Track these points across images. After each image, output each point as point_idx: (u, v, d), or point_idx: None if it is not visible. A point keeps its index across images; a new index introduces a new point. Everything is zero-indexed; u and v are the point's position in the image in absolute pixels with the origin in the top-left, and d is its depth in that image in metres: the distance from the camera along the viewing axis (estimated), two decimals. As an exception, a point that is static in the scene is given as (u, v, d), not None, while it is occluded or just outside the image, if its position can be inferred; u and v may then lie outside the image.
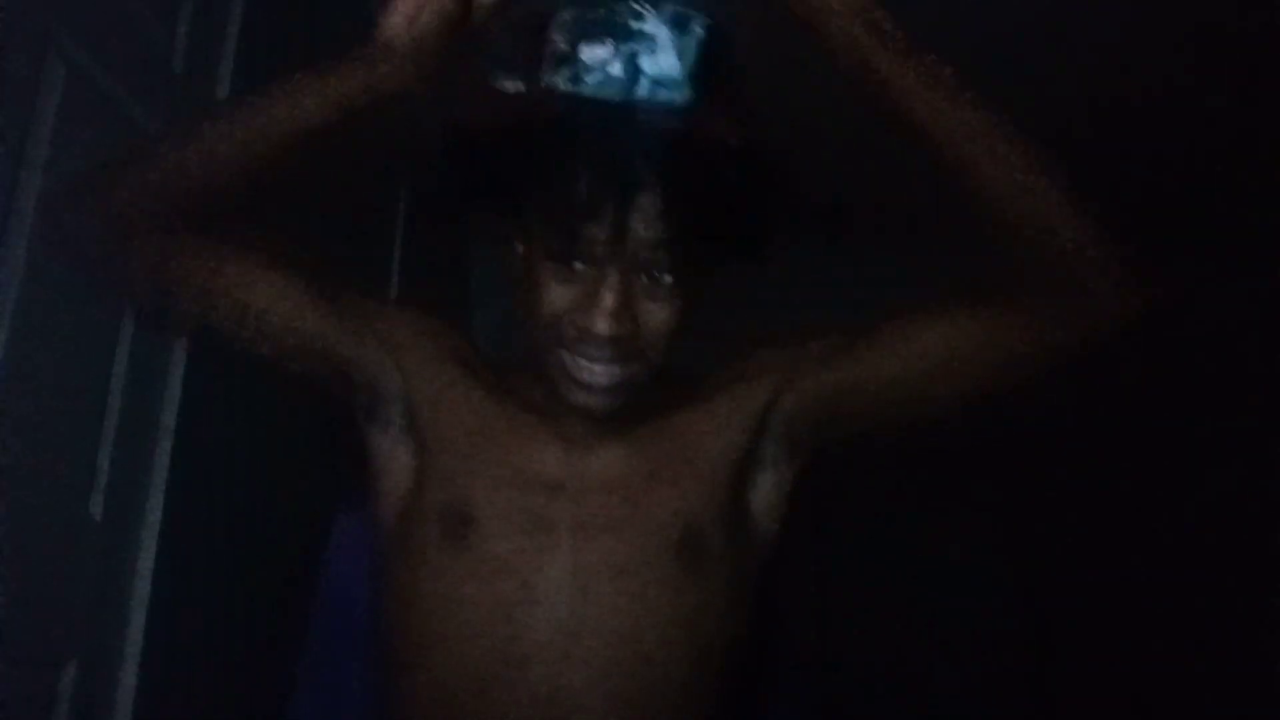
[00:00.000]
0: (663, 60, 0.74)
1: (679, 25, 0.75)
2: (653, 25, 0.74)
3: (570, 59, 0.75)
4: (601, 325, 0.75)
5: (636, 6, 0.74)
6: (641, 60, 0.74)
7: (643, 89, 0.74)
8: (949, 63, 0.76)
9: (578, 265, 0.76)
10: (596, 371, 0.77)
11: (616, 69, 0.74)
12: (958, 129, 0.75)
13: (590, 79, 0.74)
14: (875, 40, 0.73)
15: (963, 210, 0.76)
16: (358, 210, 2.24)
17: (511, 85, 0.80)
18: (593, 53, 0.74)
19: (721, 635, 0.81)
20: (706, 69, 0.76)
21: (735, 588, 0.83)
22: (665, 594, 0.79)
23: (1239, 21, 2.18)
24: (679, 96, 0.74)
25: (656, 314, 0.77)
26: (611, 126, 0.75)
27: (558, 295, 0.77)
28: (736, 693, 0.83)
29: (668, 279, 0.76)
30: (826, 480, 0.97)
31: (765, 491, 0.88)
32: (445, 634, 0.79)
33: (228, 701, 1.50)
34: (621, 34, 0.74)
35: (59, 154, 1.09)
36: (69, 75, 1.11)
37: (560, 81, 0.75)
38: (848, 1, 0.73)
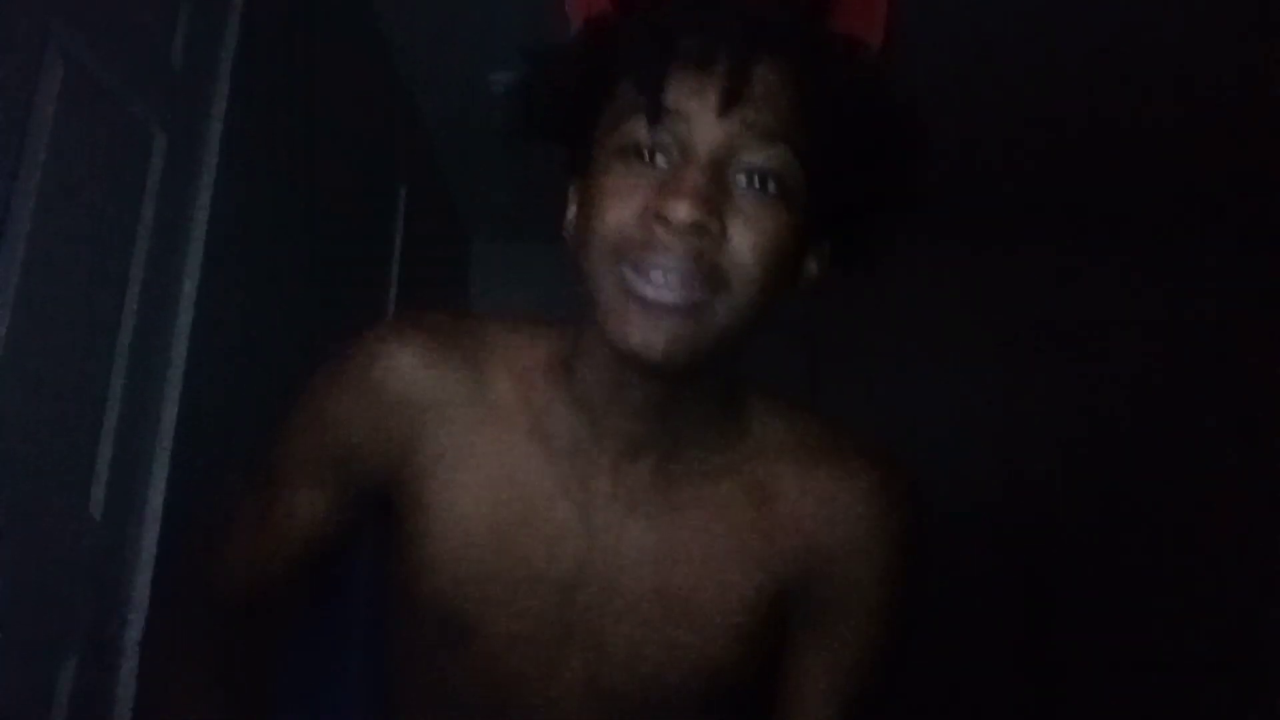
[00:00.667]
0: None
1: None
2: None
3: None
4: (681, 209, 0.57)
5: None
6: None
7: None
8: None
9: (659, 159, 0.60)
10: (667, 284, 0.58)
11: None
12: None
13: None
14: None
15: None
16: (358, 211, 2.23)
17: (502, 80, 0.72)
18: None
19: None
20: None
21: None
22: None
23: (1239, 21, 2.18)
24: None
25: (752, 230, 0.59)
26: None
27: (628, 194, 0.60)
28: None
29: (773, 189, 0.60)
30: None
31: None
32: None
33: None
34: None
35: (58, 151, 1.08)
36: (67, 72, 1.10)
37: None
38: None
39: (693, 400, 0.68)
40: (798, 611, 0.71)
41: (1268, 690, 2.88)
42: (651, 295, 0.59)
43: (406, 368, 0.71)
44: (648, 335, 0.59)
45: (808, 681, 0.72)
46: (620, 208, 0.60)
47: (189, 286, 1.41)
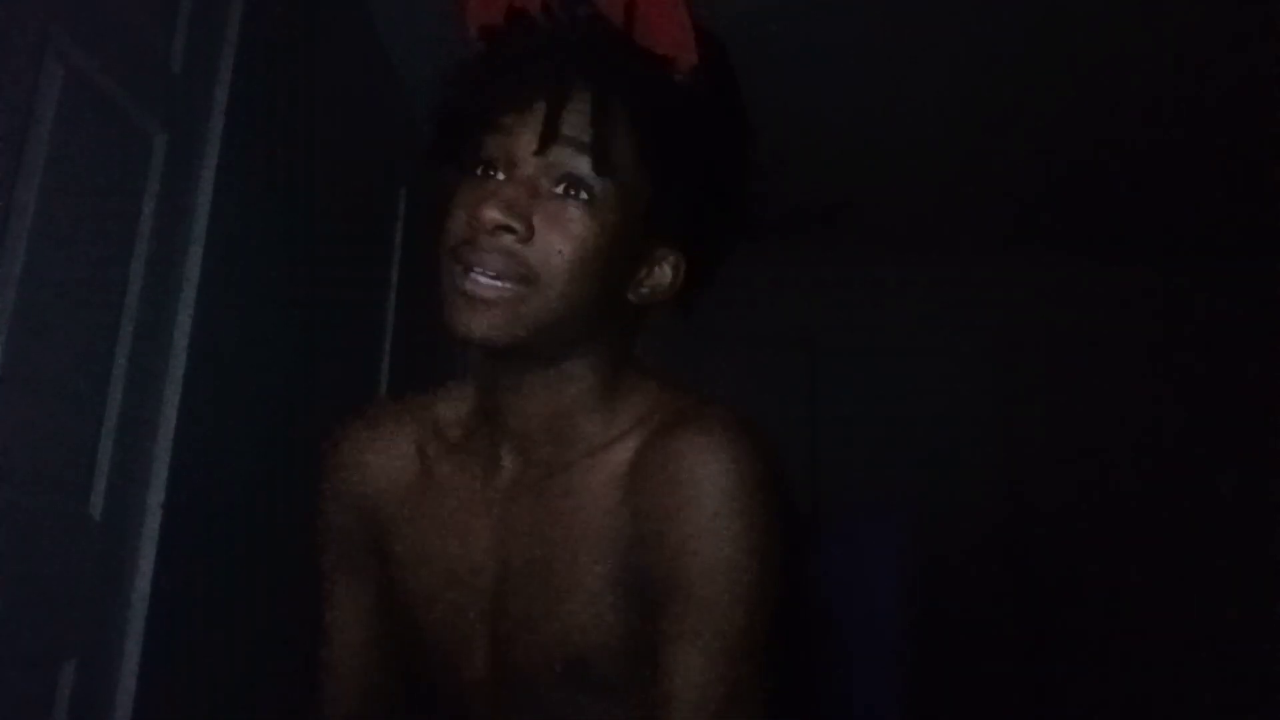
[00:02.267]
0: None
1: None
2: None
3: None
4: (487, 214, 0.67)
5: None
6: None
7: None
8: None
9: (499, 174, 0.71)
10: (480, 283, 0.68)
11: None
12: None
13: None
14: None
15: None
16: (357, 212, 2.24)
17: (474, 48, 0.78)
18: None
19: None
20: None
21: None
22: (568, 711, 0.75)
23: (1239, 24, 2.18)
24: None
25: (557, 231, 0.69)
26: (546, 29, 0.72)
27: (465, 204, 0.70)
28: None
29: (583, 197, 0.69)
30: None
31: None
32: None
33: (228, 701, 1.50)
34: None
35: (57, 155, 1.09)
36: (67, 76, 1.11)
37: None
38: None
39: (559, 384, 0.75)
40: (654, 592, 0.71)
41: (1268, 697, 2.88)
42: (470, 290, 0.69)
43: (354, 460, 0.84)
44: (467, 322, 0.69)
45: (667, 670, 0.69)
46: (458, 215, 0.71)
47: (189, 287, 1.41)
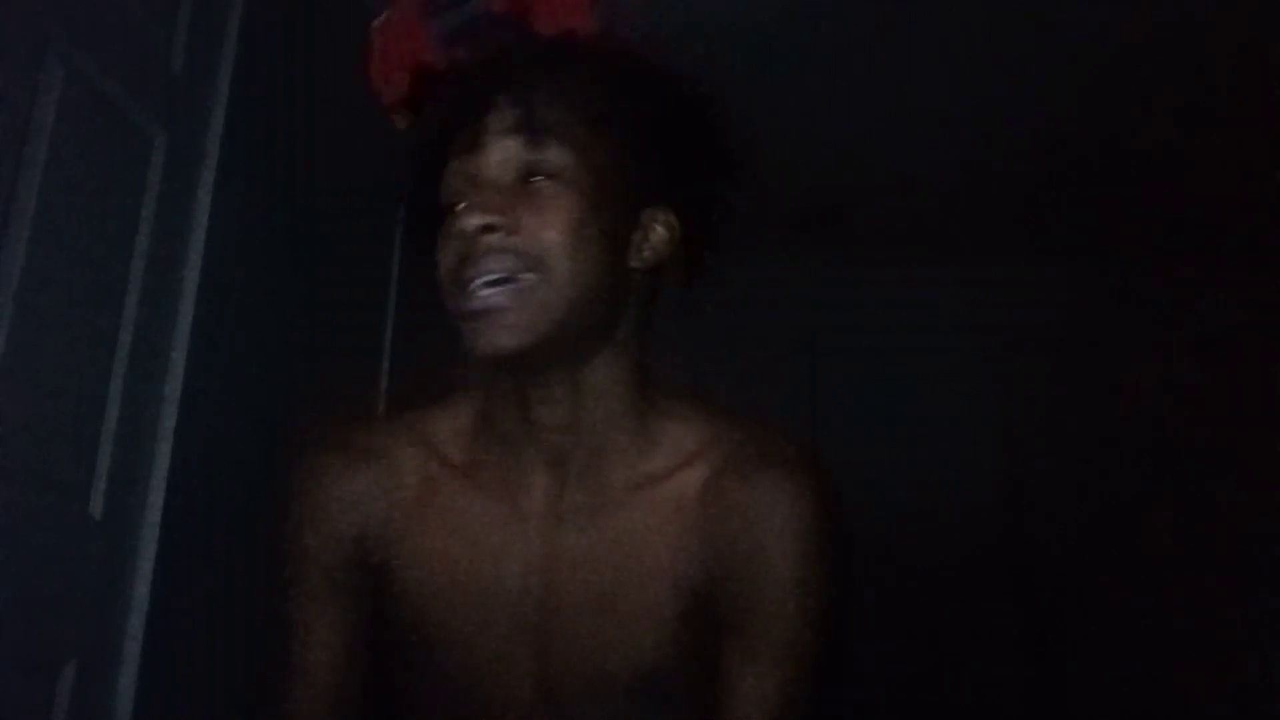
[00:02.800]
0: None
1: None
2: None
3: None
4: (469, 220, 0.68)
5: None
6: None
7: None
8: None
9: (458, 207, 0.71)
10: (486, 295, 0.68)
11: None
12: None
13: None
14: None
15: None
16: (357, 213, 2.24)
17: (400, 120, 0.81)
18: None
19: None
20: None
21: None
22: None
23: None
24: None
25: (545, 213, 0.69)
26: (473, 63, 0.75)
27: (447, 238, 0.71)
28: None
29: (556, 180, 0.70)
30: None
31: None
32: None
33: (228, 701, 1.50)
34: None
35: (57, 155, 1.09)
36: (67, 76, 1.11)
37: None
38: None
39: (587, 396, 0.74)
40: (722, 618, 0.73)
41: (1268, 697, 2.88)
42: (478, 306, 0.68)
43: (338, 485, 0.80)
44: (490, 339, 0.68)
45: (735, 687, 0.72)
46: (445, 250, 0.71)
47: (189, 287, 1.41)
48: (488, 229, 0.68)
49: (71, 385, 1.17)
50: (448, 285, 0.71)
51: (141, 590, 1.29)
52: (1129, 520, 3.28)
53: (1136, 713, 3.07)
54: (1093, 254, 3.42)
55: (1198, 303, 3.35)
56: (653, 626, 0.73)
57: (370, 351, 2.28)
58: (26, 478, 1.08)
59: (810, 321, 3.56)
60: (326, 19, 1.91)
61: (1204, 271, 3.33)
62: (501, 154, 0.71)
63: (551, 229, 0.69)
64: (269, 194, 1.70)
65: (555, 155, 0.70)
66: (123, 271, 1.27)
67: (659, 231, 0.76)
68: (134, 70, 1.27)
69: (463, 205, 0.71)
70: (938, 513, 3.27)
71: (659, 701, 0.74)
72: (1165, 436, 3.30)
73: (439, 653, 0.77)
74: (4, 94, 1.01)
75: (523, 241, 0.69)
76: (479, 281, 0.68)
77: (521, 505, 0.76)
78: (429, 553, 0.77)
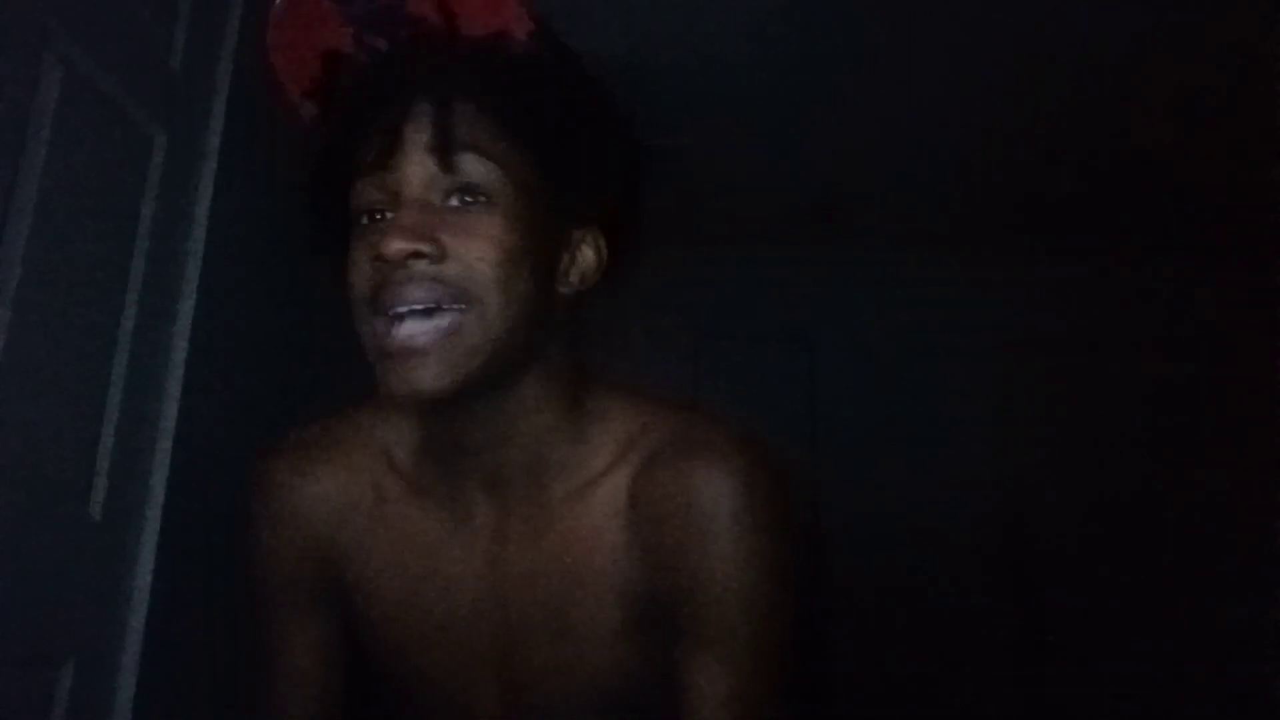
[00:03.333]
0: None
1: None
2: None
3: None
4: (391, 245, 0.62)
5: None
6: None
7: None
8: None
9: (388, 215, 0.66)
10: (410, 335, 0.63)
11: None
12: None
13: None
14: None
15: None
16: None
17: (307, 111, 0.73)
18: None
19: None
20: None
21: None
22: None
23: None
24: None
25: (468, 239, 0.64)
26: (390, 55, 0.68)
27: (364, 251, 0.65)
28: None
29: (482, 199, 0.65)
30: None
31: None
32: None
33: (227, 701, 1.50)
34: None
35: (57, 154, 1.09)
36: (66, 75, 1.10)
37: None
38: None
39: (516, 414, 0.70)
40: (670, 619, 0.70)
41: (1268, 697, 2.88)
42: (402, 343, 0.63)
43: (297, 487, 0.77)
44: (409, 380, 0.63)
45: (691, 692, 0.68)
46: (360, 265, 0.65)
47: (189, 287, 1.41)
48: (415, 255, 0.63)
49: (71, 385, 1.17)
50: (361, 309, 0.65)
51: (141, 590, 1.29)
52: (1127, 519, 3.29)
53: (1134, 712, 3.07)
54: (1092, 253, 3.42)
55: (1196, 302, 3.35)
56: (607, 642, 0.70)
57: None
58: (26, 478, 1.08)
59: (808, 319, 3.56)
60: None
61: (1203, 271, 3.33)
62: (424, 171, 0.65)
63: (482, 259, 0.64)
64: (269, 193, 1.69)
65: (481, 175, 0.65)
66: (122, 271, 1.27)
67: (586, 254, 0.71)
68: (133, 69, 1.26)
69: (383, 223, 0.65)
70: (935, 510, 3.28)
71: (623, 709, 0.72)
72: (1164, 436, 3.30)
73: (405, 667, 0.76)
74: (4, 93, 1.01)
75: (450, 271, 0.63)
76: (400, 309, 0.63)
77: (465, 526, 0.74)
78: (383, 566, 0.75)
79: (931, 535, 3.25)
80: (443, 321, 0.63)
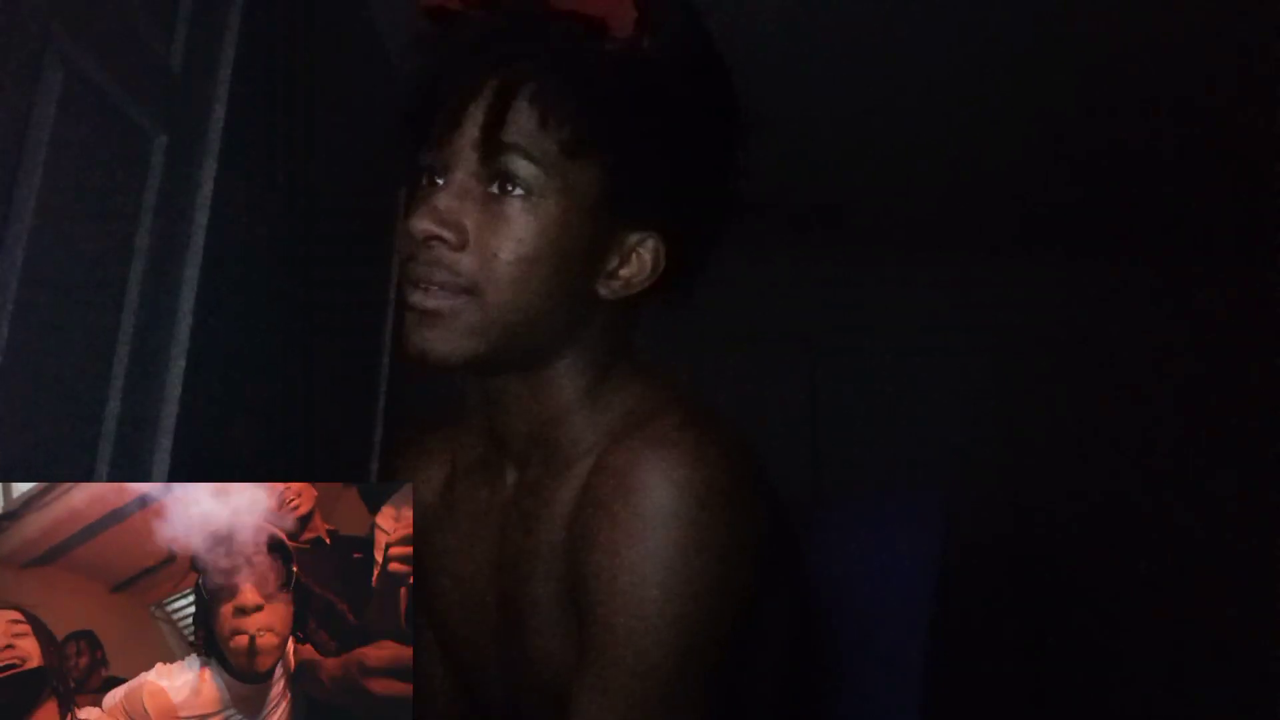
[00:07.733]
0: None
1: None
2: None
3: None
4: (417, 226, 0.65)
5: None
6: None
7: None
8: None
9: (434, 181, 0.69)
10: (426, 295, 0.66)
11: None
12: None
13: None
14: None
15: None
16: (357, 212, 2.24)
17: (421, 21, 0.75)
18: None
19: None
20: None
21: None
22: None
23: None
24: None
25: (498, 231, 0.65)
26: (473, 25, 0.67)
27: (407, 218, 0.68)
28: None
29: (519, 191, 0.65)
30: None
31: None
32: None
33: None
34: None
35: (56, 155, 1.09)
36: (67, 76, 1.10)
37: None
38: None
39: (544, 391, 0.71)
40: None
41: (1268, 697, 2.89)
42: (418, 302, 0.67)
43: (411, 478, 0.81)
44: (419, 341, 0.67)
45: (576, 682, 0.62)
46: (404, 229, 0.68)
47: (189, 287, 1.41)
48: (436, 239, 0.66)
49: (71, 385, 1.17)
50: (404, 263, 0.69)
51: (141, 590, 1.29)
52: (1128, 519, 3.29)
53: (1135, 712, 3.07)
54: (1092, 253, 3.42)
55: (1196, 300, 3.35)
56: (543, 625, 0.68)
57: (370, 351, 2.28)
58: (26, 478, 1.07)
59: (810, 320, 3.56)
60: (327, 18, 1.91)
61: (1203, 270, 3.33)
62: (470, 154, 0.66)
63: (500, 253, 0.65)
64: (269, 193, 1.69)
65: (523, 170, 0.65)
66: (122, 271, 1.27)
67: (642, 259, 0.69)
68: (134, 69, 1.26)
69: (433, 190, 0.68)
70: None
71: None
72: (1164, 434, 3.30)
73: (449, 648, 0.79)
74: (4, 93, 1.01)
75: (466, 261, 0.66)
76: (422, 285, 0.68)
77: (496, 499, 0.76)
78: (434, 550, 0.79)
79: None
80: (442, 302, 0.67)
